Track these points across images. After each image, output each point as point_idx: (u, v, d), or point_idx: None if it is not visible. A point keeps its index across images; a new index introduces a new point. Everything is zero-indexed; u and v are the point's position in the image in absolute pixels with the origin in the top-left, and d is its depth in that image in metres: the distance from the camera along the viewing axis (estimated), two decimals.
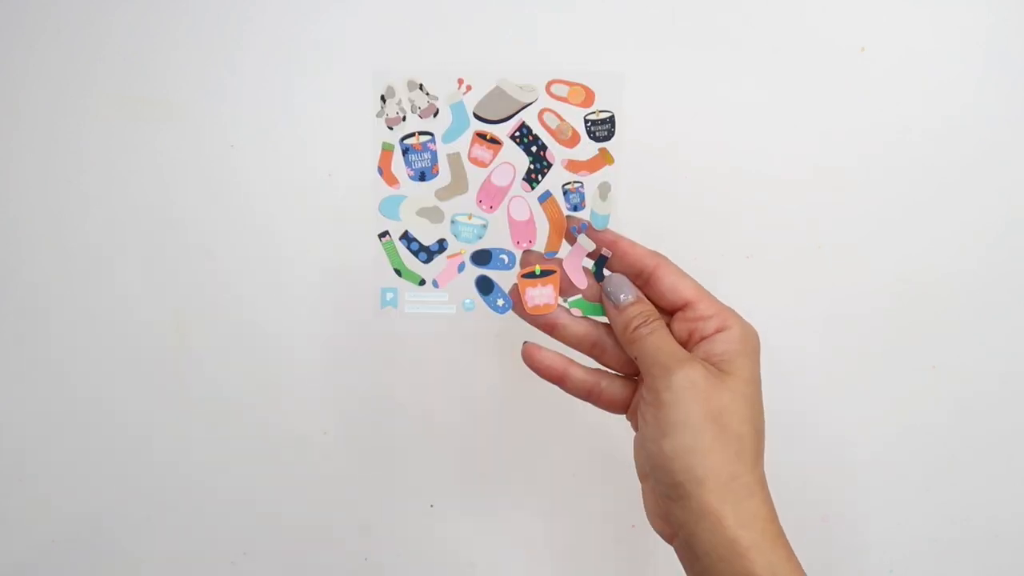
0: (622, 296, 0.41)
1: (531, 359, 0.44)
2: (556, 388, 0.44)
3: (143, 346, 0.60)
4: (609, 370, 0.44)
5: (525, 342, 0.44)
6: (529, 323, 0.44)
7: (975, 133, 0.57)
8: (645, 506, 0.41)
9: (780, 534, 0.36)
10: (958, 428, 0.59)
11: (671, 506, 0.38)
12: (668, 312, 0.42)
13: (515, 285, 0.44)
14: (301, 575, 0.62)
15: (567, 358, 0.44)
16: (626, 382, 0.44)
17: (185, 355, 0.60)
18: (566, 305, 0.44)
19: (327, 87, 0.58)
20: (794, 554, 0.36)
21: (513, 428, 0.61)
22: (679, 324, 0.41)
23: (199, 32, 0.58)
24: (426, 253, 0.44)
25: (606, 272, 0.44)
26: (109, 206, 0.59)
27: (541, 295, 0.43)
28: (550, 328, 0.44)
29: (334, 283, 0.59)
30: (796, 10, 0.57)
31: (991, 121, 0.57)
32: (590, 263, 0.44)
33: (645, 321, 0.40)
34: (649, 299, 0.42)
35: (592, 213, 0.43)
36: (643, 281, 0.42)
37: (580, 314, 0.44)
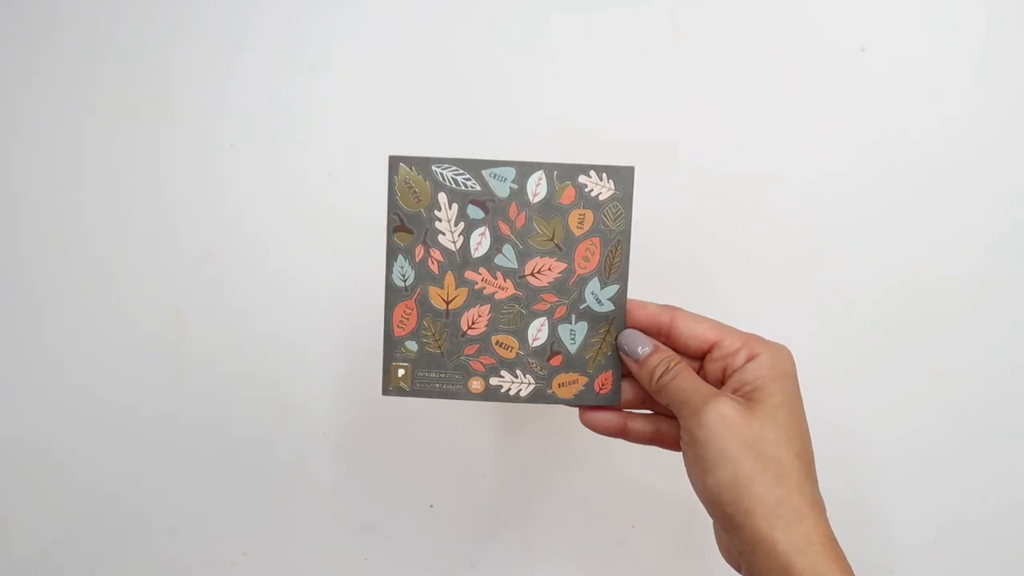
0: (639, 350, 0.43)
1: (592, 424, 0.45)
2: None
3: (143, 346, 0.60)
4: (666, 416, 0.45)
5: (581, 408, 0.46)
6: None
7: (975, 133, 0.57)
8: (716, 540, 0.43)
9: (837, 557, 0.37)
10: (958, 429, 0.59)
11: (730, 537, 0.39)
12: (698, 357, 0.43)
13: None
14: (301, 575, 0.62)
15: (624, 413, 0.45)
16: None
17: (184, 355, 0.60)
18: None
19: (327, 87, 0.58)
20: (851, 573, 0.37)
21: (513, 428, 0.61)
22: (710, 365, 0.42)
23: (200, 33, 0.58)
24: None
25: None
26: (109, 206, 0.59)
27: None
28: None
29: (333, 282, 0.59)
30: (796, 10, 0.57)
31: (991, 121, 0.57)
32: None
33: (667, 368, 0.41)
34: (675, 349, 0.43)
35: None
36: (664, 337, 0.43)
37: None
